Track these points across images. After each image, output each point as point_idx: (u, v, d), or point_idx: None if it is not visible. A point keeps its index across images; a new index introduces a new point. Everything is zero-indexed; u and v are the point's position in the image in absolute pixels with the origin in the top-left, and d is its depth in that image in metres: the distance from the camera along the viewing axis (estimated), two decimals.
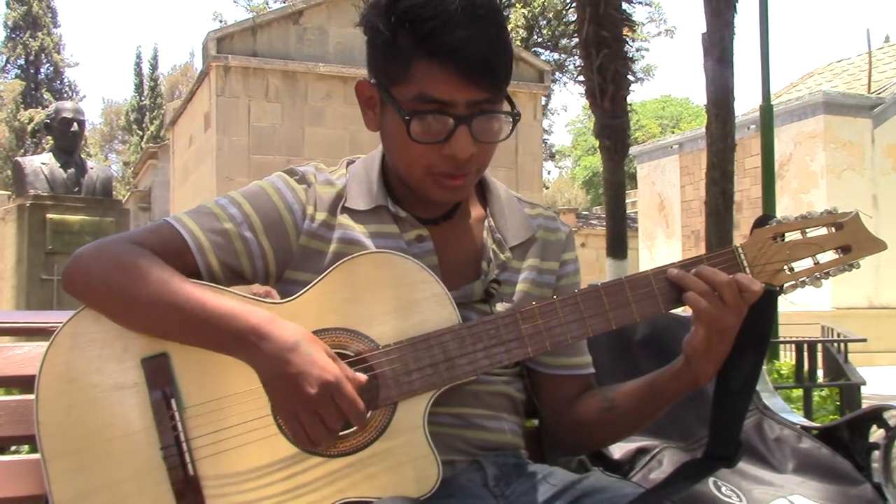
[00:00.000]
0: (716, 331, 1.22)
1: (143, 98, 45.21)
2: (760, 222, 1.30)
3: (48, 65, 43.15)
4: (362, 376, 1.17)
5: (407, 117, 1.23)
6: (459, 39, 1.19)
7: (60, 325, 1.22)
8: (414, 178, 1.29)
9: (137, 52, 59.14)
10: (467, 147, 1.23)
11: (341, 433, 1.17)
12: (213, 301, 1.19)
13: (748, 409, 1.44)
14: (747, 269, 1.27)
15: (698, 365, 1.25)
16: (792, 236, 1.29)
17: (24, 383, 1.37)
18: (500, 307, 1.33)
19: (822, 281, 1.29)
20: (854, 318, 12.67)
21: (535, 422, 1.57)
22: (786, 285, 1.28)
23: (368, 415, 1.20)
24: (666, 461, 1.62)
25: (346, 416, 1.14)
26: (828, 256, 1.29)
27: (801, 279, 1.28)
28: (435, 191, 1.29)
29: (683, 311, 1.38)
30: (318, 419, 1.13)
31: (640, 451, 1.65)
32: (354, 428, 1.19)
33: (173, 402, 1.19)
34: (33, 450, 1.29)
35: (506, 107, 1.29)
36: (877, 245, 1.29)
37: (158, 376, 1.19)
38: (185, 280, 1.21)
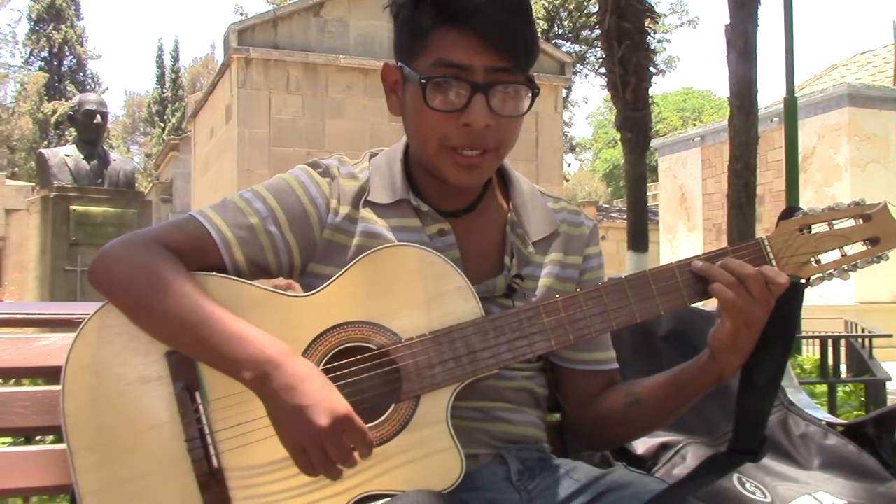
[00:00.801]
0: (743, 323, 1.21)
1: (164, 90, 45.51)
2: (787, 214, 1.28)
3: (71, 57, 43.49)
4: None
5: (423, 80, 1.23)
6: (476, 4, 1.21)
7: (86, 316, 1.23)
8: (430, 154, 1.29)
9: (159, 45, 59.67)
10: (483, 116, 1.23)
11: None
12: (230, 326, 1.17)
13: (774, 403, 1.42)
14: (773, 262, 1.25)
15: (723, 358, 1.24)
16: (819, 228, 1.27)
17: (50, 374, 1.38)
18: (522, 302, 1.32)
19: (850, 273, 1.27)
20: (878, 313, 12.56)
21: (557, 416, 1.56)
22: (813, 278, 1.27)
23: (392, 408, 1.20)
24: (689, 456, 1.61)
25: (356, 450, 1.13)
26: (855, 248, 1.27)
27: (828, 271, 1.27)
28: (451, 169, 1.28)
29: (705, 304, 1.37)
30: (325, 455, 1.12)
31: (664, 447, 1.64)
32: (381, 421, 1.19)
33: (197, 394, 1.19)
34: (58, 440, 1.30)
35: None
36: None
37: (183, 369, 1.20)
38: (206, 297, 1.19)
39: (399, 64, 1.30)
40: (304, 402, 1.11)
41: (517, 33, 1.24)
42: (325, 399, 1.11)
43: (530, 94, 1.28)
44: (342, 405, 1.12)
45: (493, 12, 1.21)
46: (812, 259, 1.27)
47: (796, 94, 8.49)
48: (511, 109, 1.26)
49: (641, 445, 1.64)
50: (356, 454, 1.13)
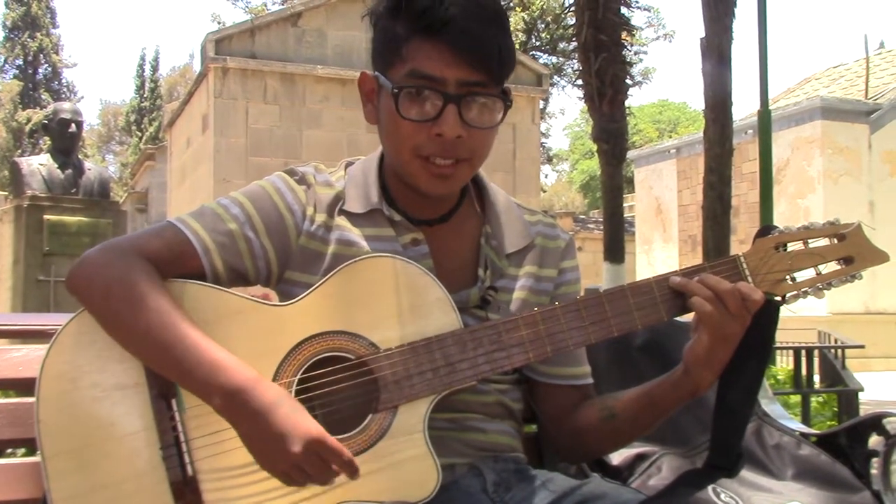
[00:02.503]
0: (720, 337, 1.22)
1: (143, 100, 45.18)
2: (763, 232, 1.30)
3: (46, 65, 43.15)
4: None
5: (395, 90, 1.24)
6: (451, 16, 1.21)
7: (58, 328, 1.21)
8: (403, 163, 1.29)
9: (142, 54, 58.61)
10: (455, 126, 1.23)
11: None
12: (202, 349, 1.15)
13: (750, 419, 1.43)
14: (749, 278, 1.27)
15: (698, 373, 1.25)
16: (794, 246, 1.29)
17: (22, 386, 1.37)
18: (496, 314, 1.33)
19: (825, 291, 1.29)
20: (850, 324, 12.69)
21: (534, 427, 1.57)
22: (788, 295, 1.28)
23: (369, 419, 1.20)
24: (665, 467, 1.62)
25: (335, 469, 1.12)
26: (830, 267, 1.28)
27: (803, 289, 1.28)
28: (424, 178, 1.28)
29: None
30: (306, 474, 1.12)
31: (639, 457, 1.65)
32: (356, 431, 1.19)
33: (174, 402, 1.19)
34: (30, 453, 1.28)
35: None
36: (879, 257, 1.29)
37: (159, 377, 1.19)
38: (180, 316, 1.18)
39: (375, 73, 1.31)
40: (275, 430, 1.10)
41: (491, 46, 1.24)
42: (296, 426, 1.10)
43: (503, 107, 1.28)
44: (314, 429, 1.10)
45: (467, 25, 1.22)
46: (787, 277, 1.28)
47: (770, 107, 8.58)
48: (483, 121, 1.27)
49: (617, 456, 1.65)
50: (338, 471, 1.12)
